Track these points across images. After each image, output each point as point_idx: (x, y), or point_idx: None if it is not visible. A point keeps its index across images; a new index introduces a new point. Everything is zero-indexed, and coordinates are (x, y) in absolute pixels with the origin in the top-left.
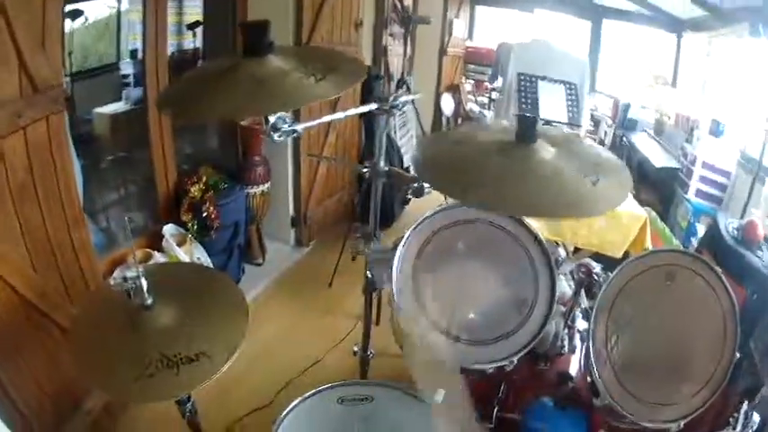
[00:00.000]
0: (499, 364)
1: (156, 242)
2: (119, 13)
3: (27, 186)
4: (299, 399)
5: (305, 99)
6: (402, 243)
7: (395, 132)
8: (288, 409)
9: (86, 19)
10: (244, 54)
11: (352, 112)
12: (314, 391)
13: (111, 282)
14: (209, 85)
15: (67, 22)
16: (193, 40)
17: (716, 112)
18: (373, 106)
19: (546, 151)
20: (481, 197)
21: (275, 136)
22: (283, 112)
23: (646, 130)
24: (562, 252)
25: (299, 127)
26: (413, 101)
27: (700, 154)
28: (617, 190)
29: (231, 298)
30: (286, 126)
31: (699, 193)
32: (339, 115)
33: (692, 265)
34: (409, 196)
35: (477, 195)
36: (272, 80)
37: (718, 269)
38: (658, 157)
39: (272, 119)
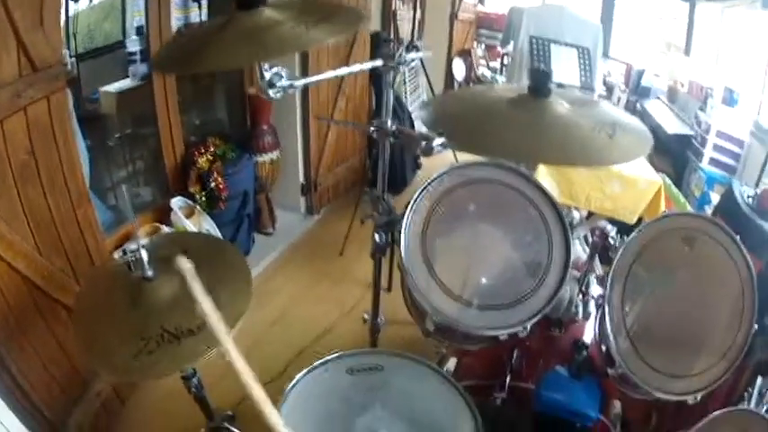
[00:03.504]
0: (512, 330)
1: (164, 216)
2: None
3: (29, 167)
4: (306, 370)
5: (295, 46)
6: (411, 204)
7: (405, 97)
8: (294, 380)
9: (91, 0)
10: (237, 8)
11: (357, 67)
12: (321, 361)
13: (116, 257)
14: (202, 39)
15: (72, 4)
16: (199, 13)
17: (730, 81)
18: (378, 62)
19: (561, 106)
20: (494, 146)
21: (271, 92)
22: (279, 68)
23: (659, 97)
24: (576, 215)
25: (297, 83)
26: (423, 65)
27: (714, 122)
28: (636, 143)
29: (235, 268)
30: (282, 82)
31: (713, 161)
32: (341, 71)
33: (710, 231)
34: (420, 160)
35: (490, 144)
36: (263, 30)
37: (736, 236)
38: (672, 124)
39: (267, 75)
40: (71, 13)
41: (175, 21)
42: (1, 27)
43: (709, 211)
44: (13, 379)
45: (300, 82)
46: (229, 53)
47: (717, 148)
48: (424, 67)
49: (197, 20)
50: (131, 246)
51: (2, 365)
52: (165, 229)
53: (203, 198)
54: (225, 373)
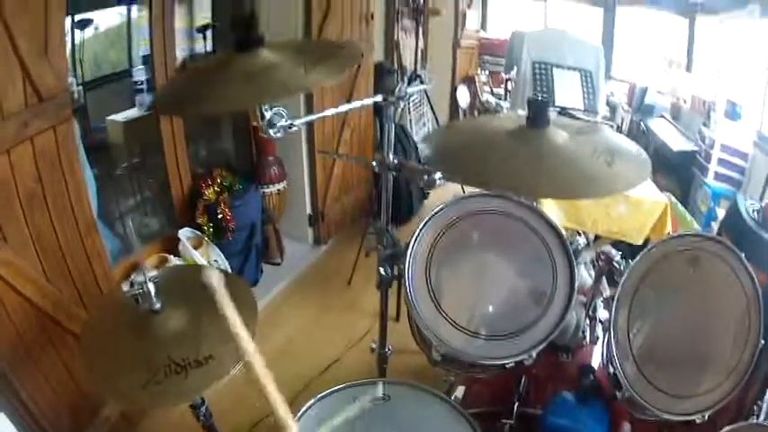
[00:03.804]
0: (518, 358)
1: (172, 246)
2: (129, 19)
3: (37, 196)
4: (313, 400)
5: (294, 89)
6: (414, 236)
7: (411, 127)
8: (302, 410)
9: (97, 28)
10: (235, 50)
11: (357, 104)
12: (329, 390)
13: (124, 288)
14: (201, 81)
15: (78, 32)
16: (204, 44)
17: (732, 95)
18: (379, 98)
19: (559, 136)
20: (495, 179)
21: (272, 132)
22: (279, 108)
23: (663, 115)
24: (582, 240)
25: (297, 122)
26: (427, 95)
27: (717, 137)
28: (635, 171)
29: (241, 299)
30: (283, 121)
31: (718, 176)
32: (342, 108)
33: (714, 250)
34: (427, 191)
35: (490, 178)
36: (261, 73)
37: (741, 253)
38: (676, 142)
39: (267, 114)
40: (77, 40)
41: (180, 52)
42: (6, 57)
43: (715, 227)
44: (22, 403)
45: (301, 121)
46: (229, 97)
47: (721, 162)
48: (427, 96)
49: (202, 51)
50: (138, 278)
51: (11, 390)
52: (174, 259)
53: (211, 229)
54: (234, 402)
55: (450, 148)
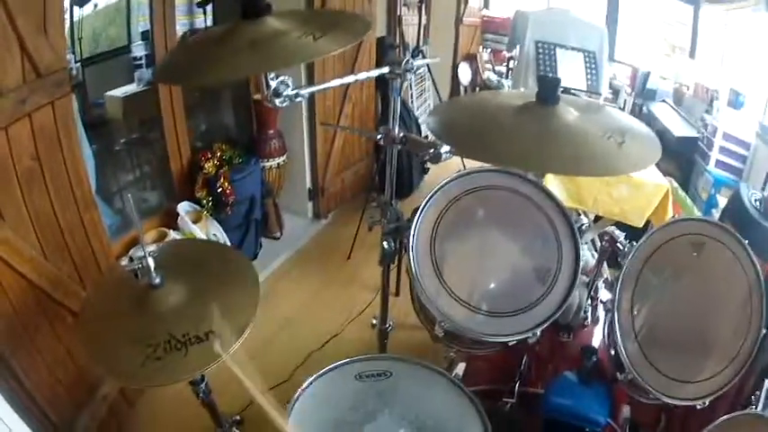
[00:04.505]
0: (522, 336)
1: (171, 220)
2: None
3: (35, 173)
4: (315, 375)
5: (301, 57)
6: (419, 211)
7: (412, 102)
8: (303, 386)
9: (96, 5)
10: (241, 17)
11: (363, 75)
12: (330, 367)
13: (123, 263)
14: (206, 49)
15: (76, 9)
16: (204, 19)
17: (735, 84)
18: (385, 70)
19: (569, 113)
20: (503, 155)
21: (277, 101)
22: (285, 77)
23: (665, 100)
24: (585, 220)
25: (303, 92)
26: (429, 70)
27: (720, 125)
28: (645, 152)
29: (243, 275)
30: (288, 91)
31: (719, 164)
32: (348, 79)
33: (718, 236)
34: (428, 165)
35: (498, 153)
36: (269, 40)
37: (745, 240)
38: (678, 127)
39: (273, 84)
40: (76, 17)
41: (180, 26)
42: (4, 33)
43: (716, 214)
44: (18, 382)
45: (306, 90)
46: (234, 64)
47: (723, 150)
48: (430, 71)
49: (202, 26)
50: (138, 253)
51: (8, 368)
52: (173, 234)
53: (210, 203)
54: (232, 378)
55: (456, 123)
